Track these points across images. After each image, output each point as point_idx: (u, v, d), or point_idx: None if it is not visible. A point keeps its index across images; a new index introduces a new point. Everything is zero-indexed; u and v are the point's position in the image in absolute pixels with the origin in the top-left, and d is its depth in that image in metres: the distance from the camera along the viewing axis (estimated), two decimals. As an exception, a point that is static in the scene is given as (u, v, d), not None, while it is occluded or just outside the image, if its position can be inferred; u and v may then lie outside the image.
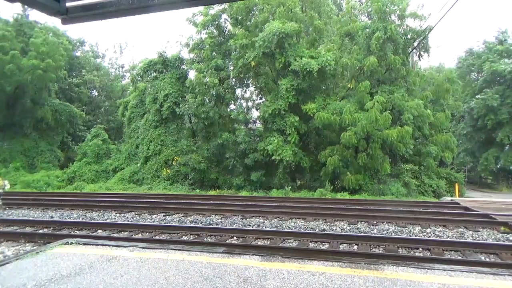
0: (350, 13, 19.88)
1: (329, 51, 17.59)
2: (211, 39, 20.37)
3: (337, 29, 19.72)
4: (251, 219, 9.22)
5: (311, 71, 16.49)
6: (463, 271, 3.83)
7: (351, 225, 8.28)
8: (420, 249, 6.21)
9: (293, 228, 8.15)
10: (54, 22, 31.25)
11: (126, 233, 7.79)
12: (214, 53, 20.60)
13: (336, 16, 21.14)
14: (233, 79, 21.38)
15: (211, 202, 12.39)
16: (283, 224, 8.48)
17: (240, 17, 20.55)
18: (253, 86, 22.70)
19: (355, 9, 20.65)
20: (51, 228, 8.30)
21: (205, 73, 20.03)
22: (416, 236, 7.30)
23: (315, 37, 19.22)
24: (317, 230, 7.88)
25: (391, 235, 7.32)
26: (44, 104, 28.21)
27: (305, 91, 17.96)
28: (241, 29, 19.94)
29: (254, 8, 20.53)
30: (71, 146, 32.57)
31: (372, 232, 7.64)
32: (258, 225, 8.47)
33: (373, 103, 15.63)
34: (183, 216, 9.75)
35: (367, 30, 17.51)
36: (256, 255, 4.50)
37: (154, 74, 23.55)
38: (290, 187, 17.40)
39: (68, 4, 2.87)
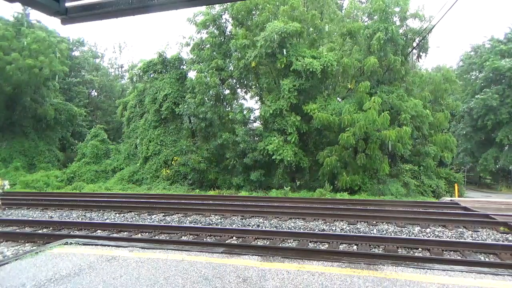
0: (351, 13, 19.87)
1: (331, 51, 17.55)
2: (212, 38, 20.32)
3: (339, 28, 19.69)
4: (250, 219, 9.21)
5: (314, 71, 16.46)
6: (462, 271, 3.83)
7: (351, 225, 8.27)
8: (420, 249, 6.20)
9: (292, 228, 8.15)
10: (40, 19, 30.91)
11: (125, 233, 7.78)
12: (214, 53, 20.57)
13: (337, 16, 21.10)
14: (234, 79, 21.37)
15: (211, 202, 12.37)
16: (283, 224, 8.48)
17: (240, 17, 20.52)
18: (253, 86, 22.72)
19: (356, 10, 20.62)
20: (51, 228, 8.29)
21: (205, 73, 20.02)
22: (415, 236, 7.29)
23: (315, 37, 19.19)
24: (316, 230, 7.88)
25: (391, 235, 7.31)
26: (43, 102, 28.16)
27: (307, 91, 17.93)
28: (242, 29, 19.89)
29: (255, 8, 20.50)
30: (71, 145, 32.52)
31: (372, 232, 7.64)
32: (258, 225, 8.46)
33: (371, 104, 15.64)
34: (183, 216, 9.74)
35: (368, 30, 17.54)
36: (255, 255, 4.50)
37: (153, 74, 23.55)
38: (290, 187, 17.40)
39: (67, 4, 2.87)
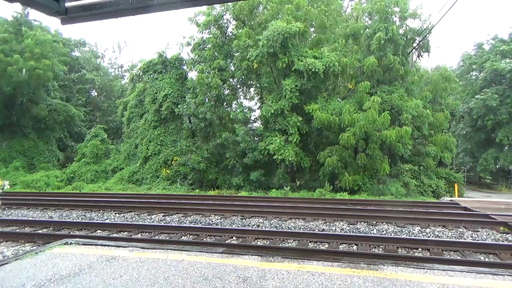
0: (354, 14, 19.84)
1: (333, 51, 17.52)
2: (214, 39, 20.27)
3: (342, 29, 19.65)
4: (250, 219, 9.21)
5: (317, 72, 16.42)
6: (462, 271, 3.83)
7: (351, 225, 8.27)
8: (420, 249, 6.21)
9: (292, 228, 8.15)
10: (42, 20, 30.89)
11: (125, 233, 7.78)
12: (216, 53, 20.53)
13: (339, 17, 21.02)
14: (235, 80, 21.33)
15: (211, 202, 12.38)
16: (283, 224, 8.48)
17: (242, 16, 20.44)
18: (254, 86, 22.69)
19: (357, 11, 20.61)
20: (51, 228, 8.29)
21: (206, 73, 19.98)
22: (415, 236, 7.30)
23: (319, 36, 19.11)
24: (316, 230, 7.88)
25: (391, 235, 7.32)
26: (41, 102, 28.13)
27: (308, 92, 17.89)
28: (244, 29, 19.82)
29: (256, 8, 20.45)
30: (68, 146, 32.51)
31: (372, 232, 7.64)
32: (258, 225, 8.47)
33: (371, 104, 15.63)
34: (183, 216, 9.75)
35: (368, 30, 17.51)
36: (255, 255, 4.50)
37: (153, 74, 23.55)
38: (290, 187, 17.38)
39: (67, 4, 2.87)
